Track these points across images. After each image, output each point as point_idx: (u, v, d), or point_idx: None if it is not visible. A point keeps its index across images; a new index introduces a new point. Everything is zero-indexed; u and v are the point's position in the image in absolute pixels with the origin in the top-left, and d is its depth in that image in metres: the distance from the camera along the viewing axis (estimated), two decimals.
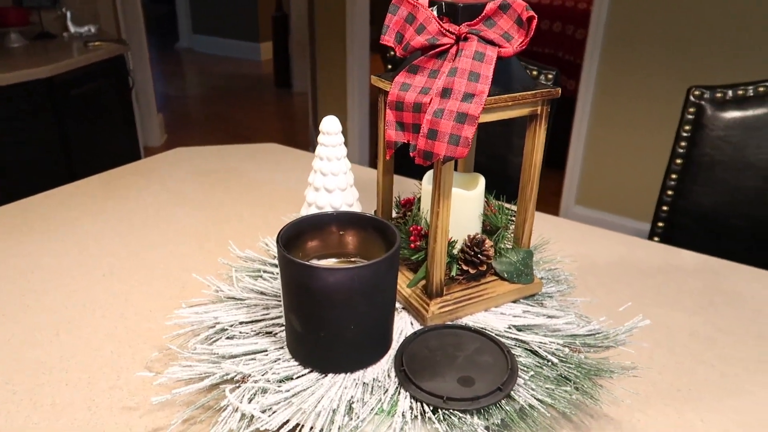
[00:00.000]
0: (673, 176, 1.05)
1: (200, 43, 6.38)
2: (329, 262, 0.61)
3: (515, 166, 1.19)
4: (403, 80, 0.57)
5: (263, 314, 0.64)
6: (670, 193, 1.06)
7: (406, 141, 0.57)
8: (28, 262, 0.84)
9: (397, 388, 0.55)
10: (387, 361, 0.58)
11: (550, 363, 0.58)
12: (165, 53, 6.41)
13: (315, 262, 0.60)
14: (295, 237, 0.58)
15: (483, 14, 0.54)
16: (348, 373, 0.56)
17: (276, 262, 0.74)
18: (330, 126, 0.61)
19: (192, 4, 6.18)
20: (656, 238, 1.10)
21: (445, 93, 0.53)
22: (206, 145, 1.32)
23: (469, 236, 0.65)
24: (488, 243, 0.64)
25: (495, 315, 0.65)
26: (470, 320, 0.64)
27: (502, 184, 1.20)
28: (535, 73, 1.15)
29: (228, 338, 0.61)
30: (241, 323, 0.63)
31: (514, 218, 0.70)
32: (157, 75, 5.69)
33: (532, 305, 0.68)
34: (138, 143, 2.74)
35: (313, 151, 3.64)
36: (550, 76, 1.14)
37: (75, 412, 0.59)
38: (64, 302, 0.75)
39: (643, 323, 0.62)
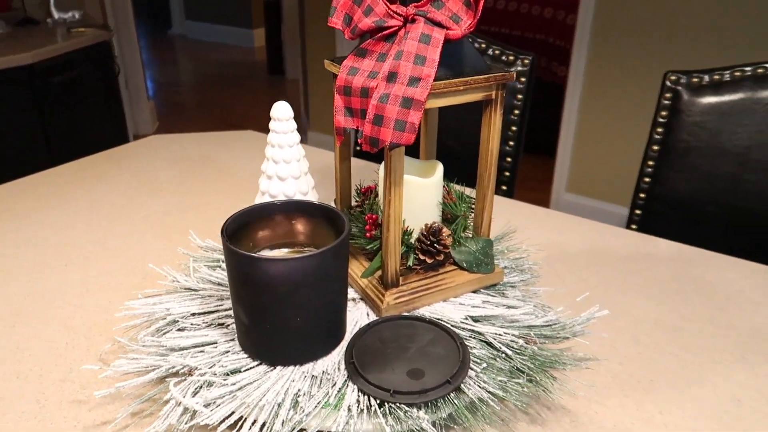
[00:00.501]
0: (650, 163, 1.03)
1: (193, 29, 6.32)
2: (279, 252, 0.59)
3: None
4: (351, 64, 0.55)
5: (216, 305, 0.63)
6: (647, 180, 1.05)
7: (355, 127, 0.56)
8: None
9: (345, 381, 0.54)
10: (339, 354, 0.57)
11: (503, 355, 0.57)
12: (157, 40, 6.36)
13: (260, 253, 0.58)
14: (243, 227, 0.57)
15: None
16: (297, 366, 0.55)
17: None
18: (281, 112, 0.60)
19: None
20: (634, 226, 1.08)
21: (391, 77, 0.52)
22: (194, 132, 1.30)
23: (426, 225, 0.64)
24: (446, 232, 0.63)
25: (453, 305, 0.64)
26: (428, 311, 0.63)
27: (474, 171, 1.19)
28: (512, 57, 1.13)
29: (179, 330, 0.60)
30: (193, 314, 0.61)
31: (473, 206, 0.69)
32: (149, 62, 5.64)
33: (492, 295, 0.66)
34: (126, 131, 2.71)
35: (307, 140, 3.61)
36: (526, 61, 1.12)
37: (23, 405, 0.58)
38: (23, 293, 0.74)
39: (600, 313, 0.61)
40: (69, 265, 0.80)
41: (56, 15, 2.44)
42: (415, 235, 0.64)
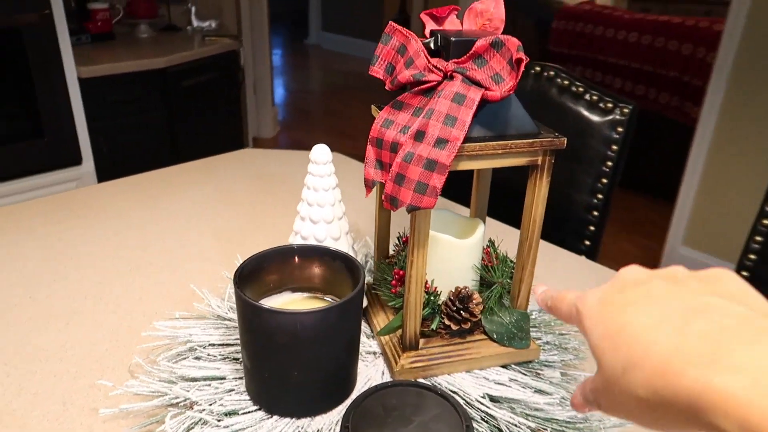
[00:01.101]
0: (765, 222, 0.90)
1: (328, 40, 6.60)
2: (293, 297, 0.58)
3: (577, 204, 1.09)
4: (387, 116, 0.53)
5: (236, 339, 0.63)
6: (758, 239, 0.92)
7: (382, 181, 0.53)
8: (68, 248, 0.90)
9: None
10: (340, 413, 0.55)
11: None
12: (294, 48, 6.71)
13: (281, 299, 0.58)
14: (262, 267, 0.56)
15: (472, 51, 0.49)
16: (294, 419, 0.54)
17: None
18: (319, 155, 0.59)
19: (324, 2, 6.42)
20: (745, 273, 0.95)
21: (419, 136, 0.49)
22: (314, 141, 1.35)
23: (456, 288, 0.60)
24: (476, 299, 0.59)
25: (476, 379, 0.59)
26: (446, 381, 0.59)
27: (563, 223, 1.11)
28: (610, 105, 1.05)
29: (195, 358, 0.61)
30: (211, 345, 0.62)
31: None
32: (283, 69, 5.97)
33: (524, 374, 0.61)
34: (244, 136, 2.88)
35: None
36: (626, 110, 1.03)
37: (50, 405, 0.61)
38: (86, 292, 0.80)
39: None
40: (134, 271, 0.85)
41: (195, 23, 2.64)
42: (443, 297, 0.60)
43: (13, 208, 1.03)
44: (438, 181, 0.48)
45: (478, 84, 0.49)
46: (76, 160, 2.01)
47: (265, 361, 0.51)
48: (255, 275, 0.55)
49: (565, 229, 1.11)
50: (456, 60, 0.50)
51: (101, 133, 2.07)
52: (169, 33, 2.59)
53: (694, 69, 2.77)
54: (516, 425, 0.53)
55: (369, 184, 0.54)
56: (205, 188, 1.13)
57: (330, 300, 0.58)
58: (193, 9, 2.62)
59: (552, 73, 1.12)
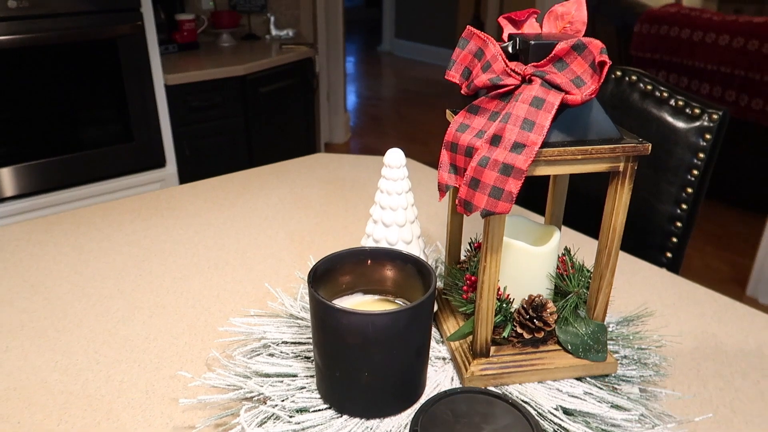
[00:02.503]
0: None
1: (401, 47, 6.65)
2: (372, 299, 0.59)
3: (660, 215, 1.04)
4: (462, 120, 0.53)
5: (308, 338, 0.64)
6: None
7: (456, 186, 0.53)
8: (153, 244, 0.95)
9: None
10: (409, 415, 0.55)
11: None
12: (367, 55, 6.81)
13: (352, 300, 0.58)
14: (335, 268, 0.57)
15: (552, 54, 0.48)
16: (364, 419, 0.54)
17: None
18: (393, 159, 0.59)
19: (398, 9, 6.47)
20: None
21: (495, 140, 0.48)
22: (384, 146, 1.37)
23: (529, 296, 0.58)
24: (550, 308, 0.57)
25: (549, 390, 0.58)
26: (518, 390, 0.58)
27: (643, 235, 1.07)
28: (697, 111, 0.99)
29: (269, 355, 0.63)
30: (284, 342, 0.64)
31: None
32: (356, 76, 6.07)
33: (600, 388, 0.58)
34: (317, 141, 2.95)
35: None
36: (715, 116, 0.98)
37: (134, 393, 0.65)
38: (168, 286, 0.84)
39: None
40: (212, 269, 0.89)
41: (274, 32, 2.73)
42: (516, 305, 0.59)
43: (105, 206, 1.10)
44: (514, 186, 0.47)
45: (557, 88, 0.47)
46: (160, 162, 2.12)
47: (337, 360, 0.52)
48: (328, 276, 0.56)
49: (646, 240, 1.06)
50: (535, 63, 0.49)
51: (184, 138, 2.17)
52: (250, 42, 2.69)
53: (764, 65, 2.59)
54: None
55: (443, 189, 0.54)
56: (279, 191, 1.16)
57: (401, 303, 0.58)
58: (272, 19, 2.71)
59: (634, 77, 1.08)
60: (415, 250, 0.62)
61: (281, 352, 0.62)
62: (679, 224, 1.03)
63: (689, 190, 1.02)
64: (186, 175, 2.17)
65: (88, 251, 0.93)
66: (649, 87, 1.05)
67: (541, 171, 0.50)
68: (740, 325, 0.77)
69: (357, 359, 0.51)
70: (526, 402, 0.56)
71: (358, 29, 7.25)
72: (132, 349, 0.71)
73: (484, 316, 0.56)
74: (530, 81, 0.49)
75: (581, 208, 0.92)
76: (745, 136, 2.72)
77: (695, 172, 1.00)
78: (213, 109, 2.23)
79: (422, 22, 6.28)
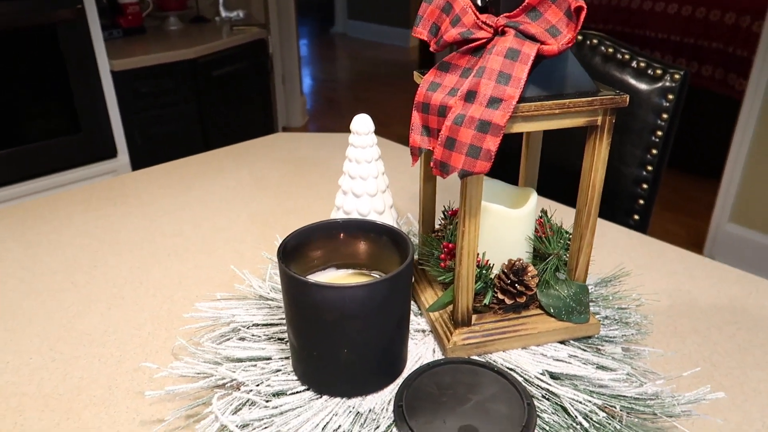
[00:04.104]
0: None
1: (354, 28, 6.57)
2: (337, 274, 0.56)
3: (626, 178, 1.04)
4: (433, 79, 0.50)
5: (281, 318, 0.61)
6: None
7: (430, 148, 0.50)
8: (106, 235, 0.89)
9: (389, 426, 0.49)
10: (392, 392, 0.52)
11: (579, 426, 0.48)
12: (321, 38, 6.70)
13: (326, 275, 0.55)
14: (305, 244, 0.54)
15: (525, 4, 0.45)
16: (345, 398, 0.51)
17: None
18: (361, 125, 0.56)
19: None
20: None
21: (470, 96, 0.45)
22: (342, 129, 1.33)
23: (509, 261, 0.56)
24: (531, 271, 0.55)
25: (533, 355, 0.56)
26: (501, 358, 0.56)
27: (612, 198, 1.06)
28: (659, 71, 0.99)
29: (239, 339, 0.59)
30: (255, 325, 0.60)
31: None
32: (310, 59, 5.96)
33: (584, 350, 0.57)
34: (274, 125, 2.87)
35: None
36: (677, 76, 0.98)
37: (96, 389, 0.60)
38: (126, 277, 0.79)
39: (713, 396, 0.49)
40: (171, 256, 0.84)
41: (223, 14, 2.64)
42: (496, 271, 0.57)
43: (52, 197, 1.03)
44: (492, 143, 0.45)
45: (532, 38, 0.45)
46: (111, 153, 2.03)
47: (313, 339, 0.49)
48: (298, 251, 0.53)
49: (613, 204, 1.06)
50: (507, 14, 0.47)
51: (135, 126, 2.08)
52: (198, 24, 2.60)
53: (740, 39, 2.65)
54: (581, 402, 0.49)
55: (415, 152, 0.51)
56: (237, 173, 1.12)
57: (377, 276, 0.55)
58: (221, 0, 2.62)
59: (596, 41, 1.07)
60: (388, 220, 0.60)
61: (252, 335, 0.59)
62: (645, 186, 1.03)
63: (654, 151, 1.02)
64: (139, 165, 2.08)
65: (35, 245, 0.87)
66: (611, 50, 1.05)
67: (518, 128, 0.48)
68: (711, 280, 0.77)
69: (335, 336, 0.48)
70: (511, 369, 0.54)
71: (310, 11, 7.11)
72: (90, 343, 0.67)
73: (464, 284, 0.53)
74: (503, 33, 0.46)
75: (554, 177, 0.91)
76: (696, 103, 2.78)
77: (659, 133, 1.01)
78: (164, 95, 2.14)
79: (376, 2, 6.20)
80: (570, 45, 0.44)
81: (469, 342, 0.55)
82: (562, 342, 0.58)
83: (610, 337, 0.59)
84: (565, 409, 0.50)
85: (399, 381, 0.53)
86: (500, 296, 0.56)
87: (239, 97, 2.50)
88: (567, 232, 0.60)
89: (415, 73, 0.57)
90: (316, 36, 6.74)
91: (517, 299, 0.56)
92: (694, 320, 0.69)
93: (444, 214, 0.66)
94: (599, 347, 0.58)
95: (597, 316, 0.61)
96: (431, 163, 0.49)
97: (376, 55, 6.00)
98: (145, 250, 0.85)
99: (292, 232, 0.52)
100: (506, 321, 0.57)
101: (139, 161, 2.08)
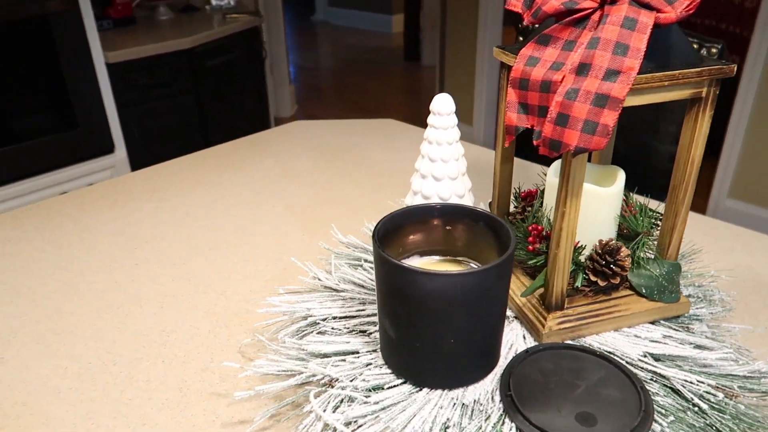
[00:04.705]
0: None
1: (335, 15, 6.49)
2: (432, 260, 0.54)
3: (661, 156, 1.03)
4: (531, 53, 0.47)
5: (359, 309, 0.59)
6: None
7: (529, 126, 0.48)
8: (141, 231, 0.86)
9: (501, 415, 0.47)
10: (492, 381, 0.51)
11: (696, 408, 0.47)
12: (301, 25, 6.60)
13: (412, 263, 0.53)
14: (394, 230, 0.52)
15: None
16: (445, 390, 0.49)
17: None
18: (442, 105, 0.54)
19: None
20: None
21: (582, 69, 0.43)
22: (331, 117, 1.30)
23: (600, 242, 0.55)
24: (624, 251, 0.54)
25: (627, 338, 0.55)
26: (596, 341, 0.54)
27: (643, 178, 1.05)
28: (695, 45, 0.98)
29: (319, 333, 0.57)
30: (334, 318, 0.58)
31: (658, 222, 0.58)
32: (292, 47, 5.87)
33: (675, 329, 0.56)
34: (269, 113, 2.82)
35: None
36: (714, 50, 0.97)
37: (167, 392, 0.57)
38: (172, 275, 0.75)
39: None
40: (213, 250, 0.81)
41: (214, 2, 2.57)
42: (586, 252, 0.55)
43: (75, 194, 0.99)
44: (610, 118, 0.43)
45: (647, 6, 0.43)
46: (108, 148, 1.97)
47: (416, 329, 0.47)
48: (389, 236, 0.51)
49: (647, 183, 1.05)
50: None
51: (131, 119, 2.02)
52: (189, 13, 2.52)
53: (732, 16, 2.66)
54: (693, 383, 0.48)
55: (512, 131, 0.49)
56: (263, 163, 1.08)
57: (469, 263, 0.53)
58: None
59: None
60: (468, 204, 0.57)
61: (333, 329, 0.57)
62: None
63: None
64: (137, 160, 2.02)
65: (68, 245, 0.83)
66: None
67: (629, 101, 0.46)
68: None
69: (441, 326, 0.46)
70: (610, 352, 0.53)
71: None
72: (149, 344, 0.64)
73: (561, 267, 0.52)
74: (613, 2, 0.44)
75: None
76: None
77: None
78: (160, 87, 2.08)
79: None
80: (691, 11, 0.43)
81: (564, 326, 0.53)
82: (652, 322, 0.56)
83: (698, 316, 0.58)
84: (676, 392, 0.48)
85: (496, 371, 0.51)
86: (593, 278, 0.54)
87: (234, 87, 2.44)
88: (652, 210, 0.59)
89: (495, 50, 0.55)
90: (297, 24, 6.64)
91: (611, 281, 0.54)
92: (763, 295, 0.68)
93: (515, 196, 0.64)
94: (689, 327, 0.57)
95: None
96: (536, 141, 0.46)
97: (360, 41, 5.94)
98: (185, 245, 0.82)
99: (384, 217, 0.50)
100: (598, 303, 0.55)
101: (137, 156, 2.03)
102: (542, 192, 0.61)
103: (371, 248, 0.70)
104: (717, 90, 0.48)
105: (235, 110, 2.47)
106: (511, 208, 0.63)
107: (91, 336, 0.65)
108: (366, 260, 0.67)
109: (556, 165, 0.57)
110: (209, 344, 0.63)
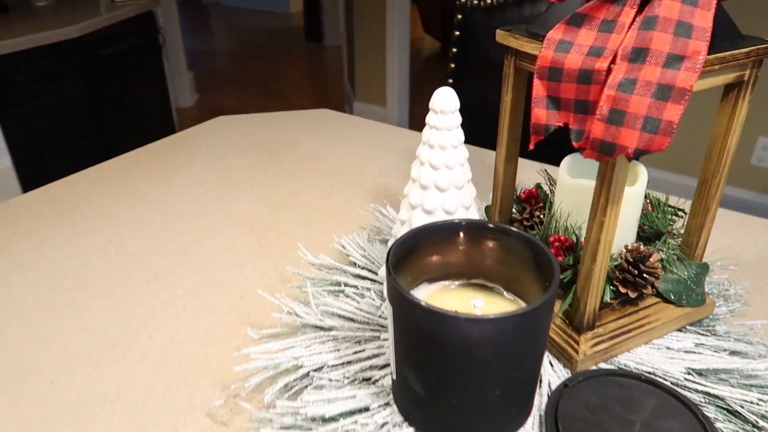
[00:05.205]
0: None
1: None
2: (432, 289, 0.45)
3: None
4: (561, 37, 0.39)
5: (356, 352, 0.49)
6: None
7: (561, 124, 0.41)
8: (57, 265, 0.70)
9: None
10: (533, 426, 0.43)
11: (763, 431, 0.42)
12: (192, 8, 6.21)
13: (426, 291, 0.44)
14: (404, 255, 0.42)
15: None
16: None
17: (359, 272, 0.59)
18: (445, 102, 0.45)
19: None
20: None
21: (637, 56, 0.36)
22: (240, 105, 1.16)
23: (626, 248, 0.48)
24: (655, 257, 0.48)
25: (660, 351, 0.49)
26: (630, 360, 0.48)
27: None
28: None
29: (315, 388, 0.47)
30: (329, 367, 0.48)
31: (673, 218, 0.53)
32: (184, 31, 5.50)
33: (703, 334, 0.51)
34: (170, 105, 2.59)
35: (352, 111, 3.44)
36: None
37: None
38: (104, 320, 0.62)
39: None
40: (151, 282, 0.68)
41: None
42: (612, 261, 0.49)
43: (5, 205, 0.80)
44: (674, 113, 0.36)
45: None
46: None
47: (455, 383, 0.38)
48: (399, 261, 0.42)
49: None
50: None
51: (15, 121, 1.76)
52: None
53: None
54: (753, 403, 0.43)
55: (539, 131, 0.41)
56: (194, 167, 0.95)
57: (495, 287, 0.45)
58: None
59: None
60: (474, 215, 0.49)
61: (330, 380, 0.47)
62: None
63: None
64: (25, 167, 1.77)
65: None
66: None
67: None
68: (744, 232, 0.74)
69: (487, 377, 0.38)
70: (650, 373, 0.47)
71: None
72: (90, 419, 0.51)
73: (595, 284, 0.45)
74: None
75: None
76: None
77: None
78: (46, 82, 1.82)
79: None
80: None
81: (598, 348, 0.47)
82: (679, 329, 0.51)
83: (716, 315, 0.54)
84: (733, 413, 0.43)
85: (534, 411, 0.44)
86: (622, 290, 0.48)
87: (130, 78, 2.21)
88: (670, 206, 0.53)
89: (499, 32, 0.46)
90: (188, 7, 6.23)
91: (643, 290, 0.48)
92: (757, 278, 0.65)
93: (516, 199, 0.56)
94: (712, 328, 0.52)
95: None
96: (578, 144, 0.39)
97: (255, 23, 5.67)
98: (114, 277, 0.68)
99: (398, 239, 0.40)
100: (627, 317, 0.49)
101: (24, 162, 1.77)
102: (545, 193, 0.54)
103: (350, 268, 0.60)
104: (758, 72, 0.43)
105: (135, 103, 2.24)
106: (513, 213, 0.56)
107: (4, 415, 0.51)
108: (347, 284, 0.57)
109: (569, 161, 0.50)
110: (168, 410, 0.51)
